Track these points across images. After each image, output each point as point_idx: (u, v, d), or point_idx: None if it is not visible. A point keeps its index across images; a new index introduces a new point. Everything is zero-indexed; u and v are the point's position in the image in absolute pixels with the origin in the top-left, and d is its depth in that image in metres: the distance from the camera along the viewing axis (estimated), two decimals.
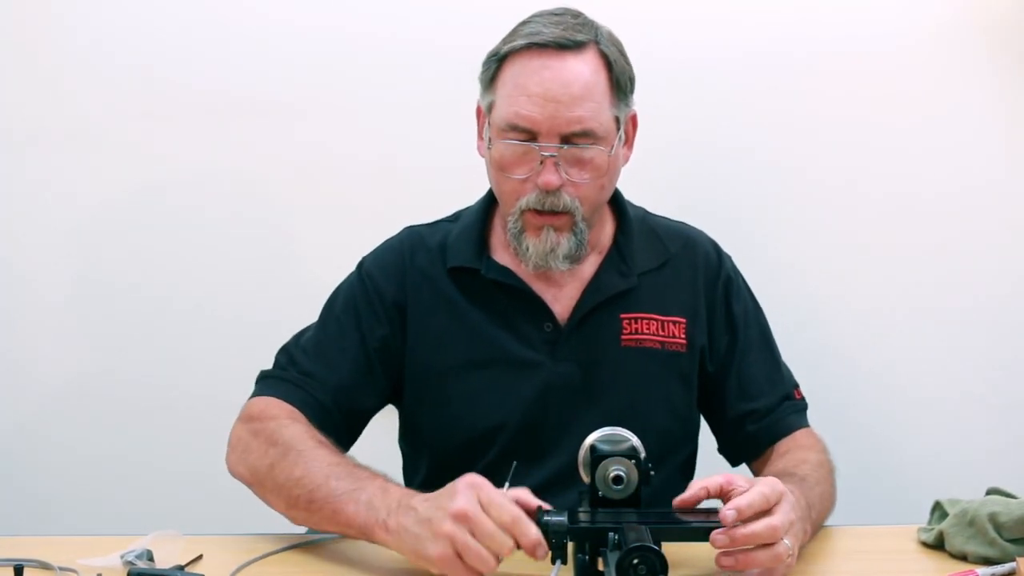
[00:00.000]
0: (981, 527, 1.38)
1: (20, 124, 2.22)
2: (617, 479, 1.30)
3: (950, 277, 2.21)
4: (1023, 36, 2.15)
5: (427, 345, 1.62)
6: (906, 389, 2.24)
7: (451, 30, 2.16)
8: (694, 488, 1.30)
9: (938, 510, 1.48)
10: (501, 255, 1.63)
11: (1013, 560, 1.35)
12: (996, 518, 1.38)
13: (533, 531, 1.22)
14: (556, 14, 1.55)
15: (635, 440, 1.33)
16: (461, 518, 1.23)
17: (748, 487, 1.27)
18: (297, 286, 2.17)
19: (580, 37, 1.52)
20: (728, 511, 1.23)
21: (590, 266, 1.63)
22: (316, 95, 2.20)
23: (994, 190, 2.19)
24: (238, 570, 1.37)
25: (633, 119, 1.61)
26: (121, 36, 2.19)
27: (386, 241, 1.70)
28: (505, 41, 1.55)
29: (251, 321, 2.21)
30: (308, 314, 1.69)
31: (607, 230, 1.66)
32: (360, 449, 1.58)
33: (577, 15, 1.56)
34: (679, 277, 1.66)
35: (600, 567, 1.23)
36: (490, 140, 1.55)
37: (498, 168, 1.55)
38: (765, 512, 1.25)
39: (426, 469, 1.66)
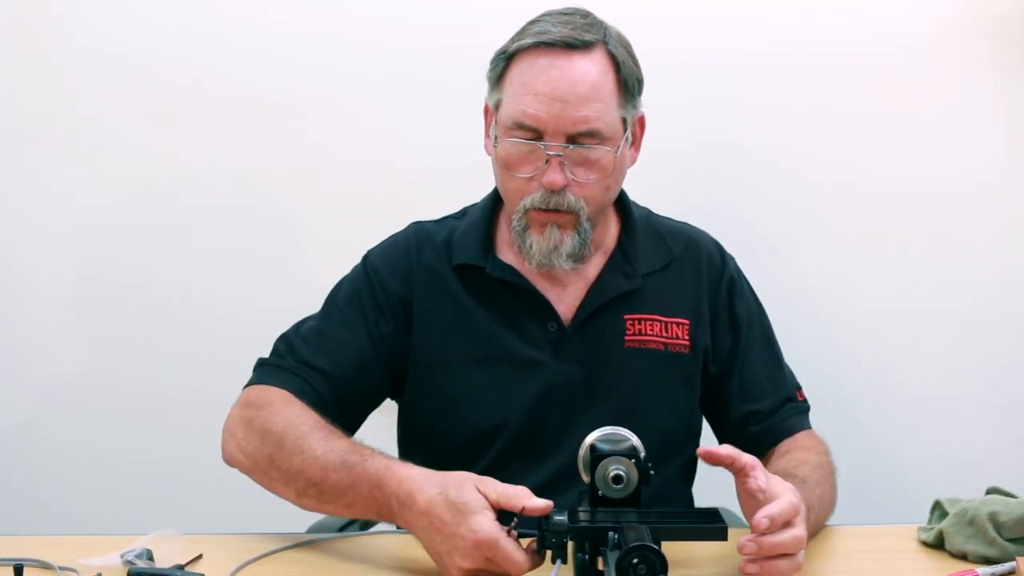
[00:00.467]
0: (981, 526, 1.38)
1: (21, 124, 2.22)
2: (617, 479, 1.29)
3: (950, 276, 2.21)
4: (1023, 36, 2.15)
5: (431, 341, 1.61)
6: (906, 389, 2.24)
7: (451, 30, 2.16)
8: (728, 449, 1.30)
9: (938, 509, 1.48)
10: (506, 253, 1.63)
11: (1013, 560, 1.35)
12: (996, 518, 1.38)
13: None
14: (565, 13, 1.55)
15: (635, 440, 1.33)
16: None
17: (766, 483, 1.28)
18: (298, 286, 2.16)
19: (588, 37, 1.51)
20: (762, 518, 1.24)
21: (594, 266, 1.63)
22: (317, 95, 2.20)
23: (994, 190, 2.20)
24: (238, 570, 1.37)
25: (641, 121, 1.60)
26: (121, 36, 2.19)
27: (392, 236, 1.69)
28: (514, 39, 1.54)
29: (252, 321, 2.20)
30: (309, 314, 1.68)
31: (611, 230, 1.66)
32: None
33: (586, 15, 1.56)
34: (683, 278, 1.66)
35: (600, 567, 1.23)
36: (496, 138, 1.55)
37: (504, 166, 1.55)
38: (788, 523, 1.26)
39: (425, 466, 1.65)
